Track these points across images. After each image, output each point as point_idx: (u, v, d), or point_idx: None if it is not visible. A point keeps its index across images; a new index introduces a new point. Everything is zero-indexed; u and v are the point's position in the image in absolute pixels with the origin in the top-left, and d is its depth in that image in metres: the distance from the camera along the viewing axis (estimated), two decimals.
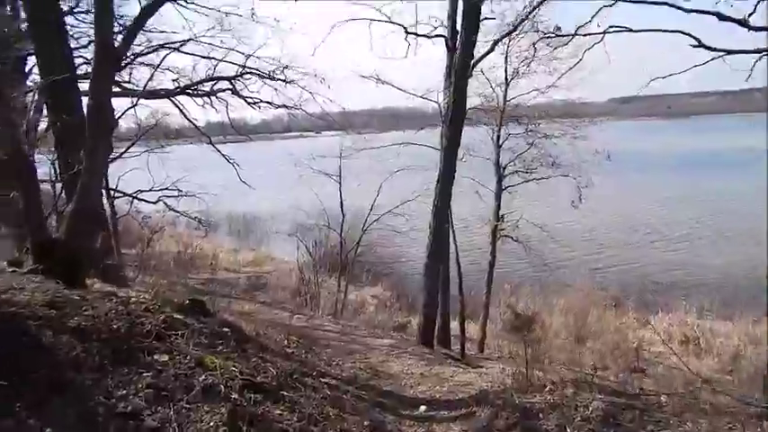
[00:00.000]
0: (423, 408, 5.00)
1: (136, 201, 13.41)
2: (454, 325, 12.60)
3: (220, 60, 12.91)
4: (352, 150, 13.99)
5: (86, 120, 5.11)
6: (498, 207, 13.82)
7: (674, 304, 16.28)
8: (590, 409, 4.18)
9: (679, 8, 5.23)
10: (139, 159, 14.02)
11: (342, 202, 16.02)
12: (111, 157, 12.67)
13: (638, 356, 12.16)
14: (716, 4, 4.92)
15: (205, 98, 13.93)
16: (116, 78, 13.04)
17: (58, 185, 7.80)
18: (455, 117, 9.33)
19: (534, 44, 9.18)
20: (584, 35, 5.94)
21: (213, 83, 13.80)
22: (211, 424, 2.81)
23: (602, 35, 5.82)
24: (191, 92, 13.77)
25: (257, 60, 13.28)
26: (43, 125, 8.47)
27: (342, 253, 16.99)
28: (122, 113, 11.92)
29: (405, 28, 11.30)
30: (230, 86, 13.83)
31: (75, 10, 10.73)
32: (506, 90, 13.89)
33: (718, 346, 13.74)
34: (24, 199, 4.98)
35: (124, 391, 2.74)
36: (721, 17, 4.91)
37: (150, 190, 12.82)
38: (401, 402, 5.22)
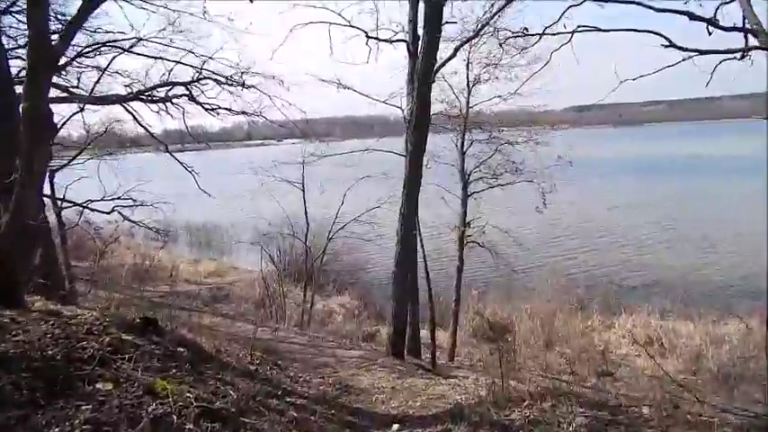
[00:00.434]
0: (395, 427, 4.72)
1: (88, 211, 12.71)
2: (423, 333, 12.44)
3: (177, 62, 12.29)
4: (314, 157, 13.64)
5: (21, 125, 4.65)
6: (465, 213, 13.76)
7: (636, 306, 16.53)
8: (573, 425, 3.98)
9: (650, 7, 5.20)
10: (90, 168, 13.33)
11: (306, 211, 15.67)
12: (57, 165, 12.11)
13: (606, 360, 12.22)
14: (685, 3, 4.93)
15: (160, 104, 13.28)
16: (63, 83, 12.46)
17: None
18: (419, 122, 9.18)
19: (501, 44, 9.08)
20: (553, 34, 5.84)
21: (168, 88, 13.19)
22: None
23: (570, 35, 5.74)
24: (144, 97, 13.14)
25: (214, 65, 12.78)
26: None
27: (307, 262, 16.62)
28: (68, 119, 11.28)
29: (365, 32, 11.10)
30: (186, 92, 13.27)
31: (12, 9, 10.00)
32: (468, 96, 13.88)
33: (681, 347, 13.98)
34: None
35: (57, 429, 2.37)
36: (692, 17, 4.89)
37: (102, 199, 12.13)
38: (372, 421, 4.94)
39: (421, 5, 10.52)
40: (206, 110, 13.69)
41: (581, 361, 12.76)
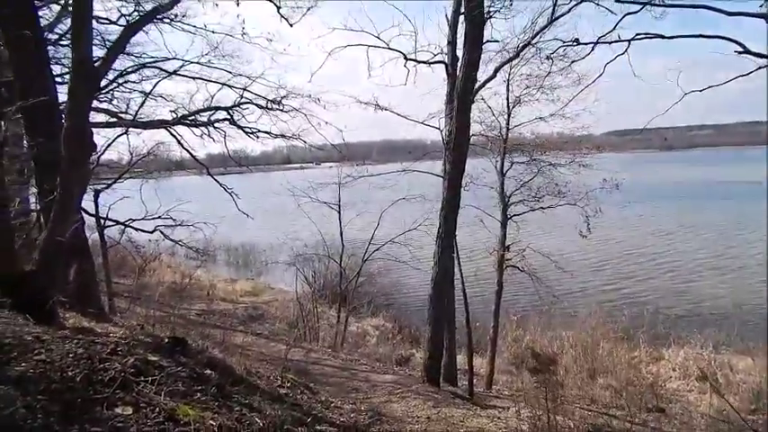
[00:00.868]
0: None
1: (132, 230, 12.98)
2: (460, 358, 12.03)
3: (223, 84, 12.62)
4: (351, 178, 13.60)
5: (62, 143, 4.70)
6: (504, 236, 13.35)
7: (687, 338, 15.57)
8: None
9: (720, 11, 4.88)
10: (135, 190, 13.67)
11: (341, 231, 15.60)
12: (103, 186, 12.46)
13: (655, 394, 11.47)
14: (760, 7, 4.59)
15: (203, 128, 13.65)
16: (114, 109, 12.91)
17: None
18: (459, 142, 8.97)
19: (550, 56, 8.80)
20: (609, 42, 5.56)
21: (210, 113, 13.54)
22: None
23: (627, 43, 5.43)
24: (188, 122, 13.50)
25: (255, 90, 13.06)
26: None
27: (342, 283, 16.50)
28: (113, 141, 11.65)
29: (404, 54, 11.10)
30: (228, 116, 13.58)
31: (62, 42, 10.45)
32: (509, 118, 13.60)
33: (738, 383, 13.03)
34: None
35: None
36: None
37: (143, 218, 12.36)
38: None
39: (460, 28, 10.46)
40: (246, 133, 13.99)
41: (628, 394, 12.05)
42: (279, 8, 10.55)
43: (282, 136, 13.99)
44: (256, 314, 18.30)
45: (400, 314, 19.22)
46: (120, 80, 12.07)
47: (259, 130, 13.87)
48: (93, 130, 12.32)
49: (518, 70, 12.92)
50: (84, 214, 11.43)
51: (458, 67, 9.60)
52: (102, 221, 11.75)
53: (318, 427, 4.54)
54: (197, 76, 12.43)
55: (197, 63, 12.17)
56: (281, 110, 13.22)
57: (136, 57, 11.83)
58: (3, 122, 5.55)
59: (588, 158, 13.49)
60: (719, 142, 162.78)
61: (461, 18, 10.33)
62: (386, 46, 10.65)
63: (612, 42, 5.56)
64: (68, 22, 9.43)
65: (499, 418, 5.94)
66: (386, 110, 11.37)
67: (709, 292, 20.91)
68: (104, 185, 12.13)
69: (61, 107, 6.68)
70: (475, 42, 8.53)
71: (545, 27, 9.93)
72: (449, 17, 10.82)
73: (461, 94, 8.82)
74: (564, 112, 13.13)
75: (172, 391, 3.11)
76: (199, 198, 17.87)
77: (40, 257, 4.66)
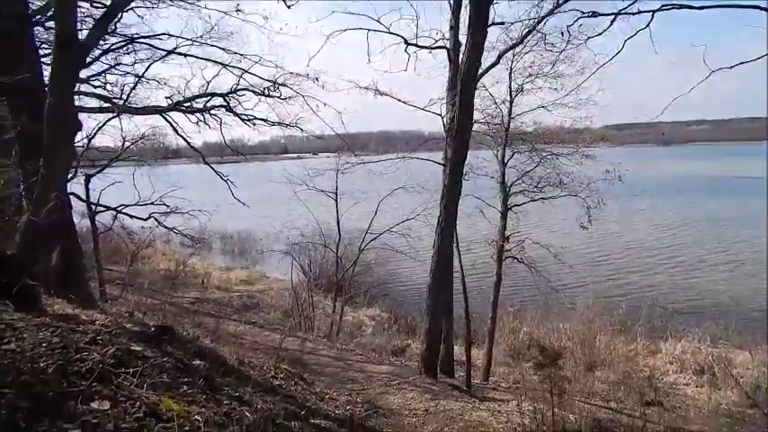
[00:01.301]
0: None
1: (127, 217, 12.72)
2: (456, 349, 11.89)
3: (217, 63, 12.25)
4: (349, 164, 13.33)
5: (45, 122, 4.44)
6: (504, 227, 13.15)
7: (684, 331, 15.46)
8: None
9: None
10: (129, 176, 13.40)
11: (338, 220, 15.38)
12: (93, 171, 12.19)
13: (653, 387, 11.35)
14: None
15: (198, 115, 13.33)
16: (107, 94, 12.58)
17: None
18: (461, 127, 8.72)
19: (567, 29, 8.42)
20: (632, 13, 5.28)
21: (207, 99, 13.22)
22: None
23: (650, 15, 5.15)
24: (184, 108, 13.18)
25: (252, 76, 12.73)
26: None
27: (338, 272, 16.31)
28: (103, 124, 11.35)
29: (405, 39, 10.79)
30: (224, 103, 13.27)
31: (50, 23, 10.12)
32: (511, 106, 13.35)
33: (735, 377, 12.93)
34: None
35: None
36: None
37: (136, 204, 12.09)
38: None
39: (463, 12, 10.17)
40: (243, 121, 13.68)
41: (626, 387, 11.94)
42: None
43: (280, 123, 13.66)
44: (251, 303, 18.12)
45: (396, 304, 19.07)
46: (111, 60, 11.71)
47: (256, 117, 13.56)
48: (88, 115, 12.12)
49: (521, 58, 12.68)
50: (75, 199, 11.23)
51: (460, 53, 9.35)
52: (94, 207, 11.46)
53: (313, 421, 4.36)
54: (191, 54, 12.07)
55: (190, 40, 11.81)
56: (279, 97, 12.90)
57: (125, 36, 11.49)
58: None
59: (591, 149, 13.27)
60: (717, 137, 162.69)
61: (464, 2, 10.08)
62: (386, 30, 10.34)
63: (635, 14, 5.26)
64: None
65: (499, 411, 5.76)
66: (386, 95, 11.09)
67: (708, 287, 20.80)
68: (96, 170, 11.83)
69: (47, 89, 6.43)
70: (480, 24, 8.25)
71: (551, 11, 9.67)
72: (451, 1, 10.55)
73: (465, 76, 8.56)
74: (567, 101, 12.91)
75: (155, 383, 2.89)
76: (194, 186, 17.61)
77: (20, 240, 4.42)
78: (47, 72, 6.89)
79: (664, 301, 18.81)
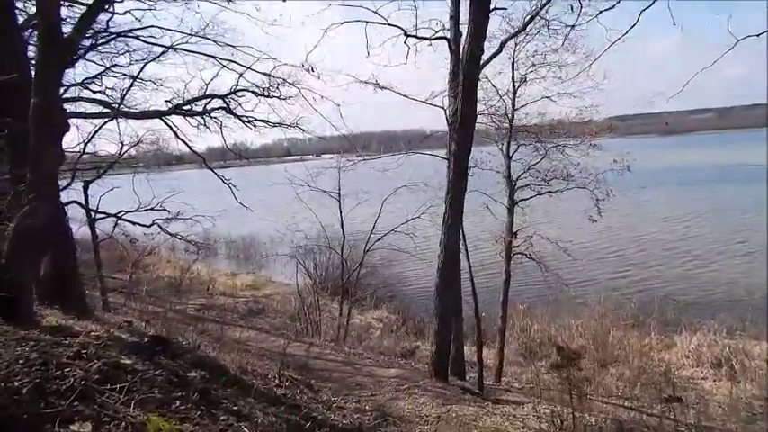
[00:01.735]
0: None
1: (129, 224, 12.52)
2: (466, 349, 11.61)
3: (212, 57, 12.08)
4: (351, 162, 13.08)
5: (30, 121, 4.22)
6: (511, 222, 12.87)
7: (699, 323, 15.11)
8: None
9: None
10: (130, 183, 13.23)
11: (342, 221, 15.14)
12: (91, 177, 11.99)
13: (671, 383, 11.03)
14: None
15: (198, 118, 13.18)
16: (106, 99, 12.42)
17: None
18: (465, 118, 8.46)
19: (574, 5, 8.18)
20: None
21: (206, 101, 13.07)
22: None
23: None
24: (183, 111, 13.02)
25: (251, 76, 12.56)
26: None
27: (344, 275, 16.07)
28: (99, 128, 11.17)
29: (404, 31, 10.52)
30: (224, 105, 13.11)
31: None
32: (514, 97, 13.05)
33: (753, 369, 12.60)
34: None
35: None
36: None
37: (136, 210, 11.90)
38: None
39: (463, 2, 9.91)
40: (243, 122, 13.53)
41: (642, 384, 11.64)
42: None
43: (281, 124, 13.51)
44: (257, 308, 17.92)
45: (404, 306, 18.83)
46: (107, 62, 11.53)
47: (256, 119, 13.41)
48: (87, 121, 11.96)
49: (524, 47, 12.42)
50: (75, 206, 11.05)
51: (461, 43, 9.10)
52: (93, 214, 11.27)
53: None
54: (186, 48, 11.92)
55: (186, 34, 11.64)
56: (279, 97, 12.73)
57: (121, 41, 11.33)
58: None
59: (597, 140, 12.97)
60: (721, 126, 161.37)
61: None
62: (385, 22, 10.08)
63: None
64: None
65: (515, 416, 5.49)
66: (386, 89, 10.81)
67: (721, 278, 20.40)
68: (95, 176, 11.64)
69: None
70: (481, 9, 7.99)
71: None
72: None
73: (468, 62, 8.31)
74: (572, 90, 12.61)
75: (144, 399, 2.66)
76: (197, 191, 17.44)
77: (8, 248, 4.20)
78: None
79: (676, 293, 18.47)
